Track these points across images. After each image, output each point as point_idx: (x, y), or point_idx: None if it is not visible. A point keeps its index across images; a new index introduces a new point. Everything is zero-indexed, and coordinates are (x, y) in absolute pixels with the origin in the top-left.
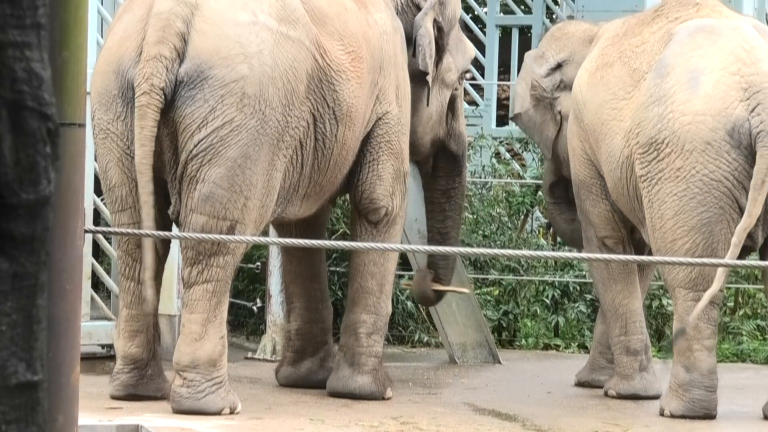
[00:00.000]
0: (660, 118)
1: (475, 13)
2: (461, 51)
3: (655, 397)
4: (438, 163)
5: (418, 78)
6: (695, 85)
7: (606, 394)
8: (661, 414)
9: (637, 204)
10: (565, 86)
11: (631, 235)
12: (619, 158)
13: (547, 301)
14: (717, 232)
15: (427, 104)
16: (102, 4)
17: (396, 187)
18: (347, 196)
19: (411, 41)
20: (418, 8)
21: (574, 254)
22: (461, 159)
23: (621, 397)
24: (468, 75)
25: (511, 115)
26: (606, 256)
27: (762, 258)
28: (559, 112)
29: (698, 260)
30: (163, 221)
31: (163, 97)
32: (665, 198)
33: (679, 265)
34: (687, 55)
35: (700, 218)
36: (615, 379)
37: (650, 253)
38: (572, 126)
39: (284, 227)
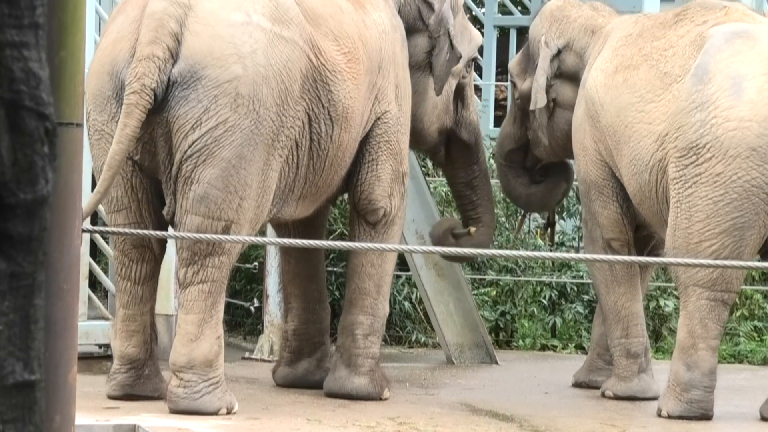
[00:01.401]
0: (702, 123)
1: (473, 13)
2: (467, 38)
3: (653, 399)
4: (453, 154)
5: (422, 68)
6: (738, 91)
7: (603, 395)
8: (659, 414)
9: (665, 207)
10: (561, 73)
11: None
12: (649, 161)
13: (545, 302)
14: (747, 236)
15: (438, 93)
16: (100, 3)
17: (395, 187)
18: (345, 195)
19: (412, 30)
20: (425, 2)
21: (572, 255)
22: (475, 147)
23: (618, 398)
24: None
25: (533, 107)
26: (605, 257)
27: None
28: (553, 99)
29: (697, 261)
30: (159, 221)
31: (152, 97)
32: (697, 201)
33: (687, 267)
34: (727, 60)
35: (734, 222)
36: (613, 380)
37: (651, 255)
38: (583, 126)
39: (283, 227)
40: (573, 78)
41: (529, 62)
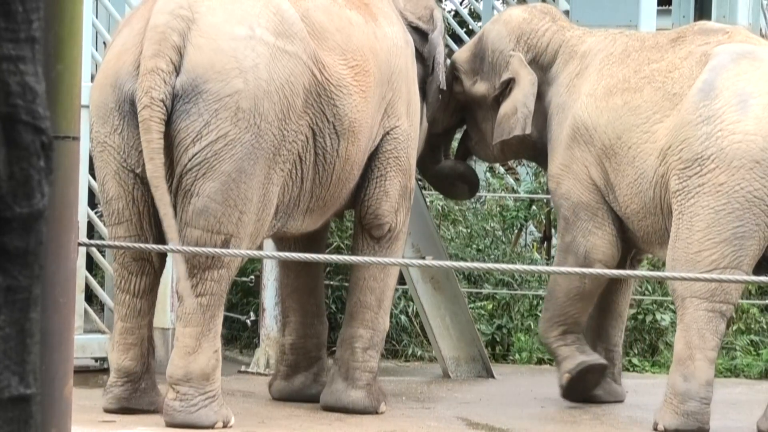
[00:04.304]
0: (708, 136)
1: (470, 27)
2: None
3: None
4: None
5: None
6: (745, 108)
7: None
8: (655, 429)
9: (668, 222)
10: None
11: None
12: (652, 178)
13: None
14: (747, 246)
15: (429, 120)
16: (97, 17)
17: (401, 203)
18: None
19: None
20: (416, 30)
21: (568, 269)
22: None
23: (570, 373)
24: None
25: (522, 132)
26: (601, 270)
27: None
28: None
29: (694, 275)
30: (160, 234)
31: (164, 109)
32: (699, 211)
33: (684, 280)
34: (733, 78)
35: (735, 232)
36: (564, 363)
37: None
38: (572, 152)
39: (284, 241)
40: None
41: (482, 65)
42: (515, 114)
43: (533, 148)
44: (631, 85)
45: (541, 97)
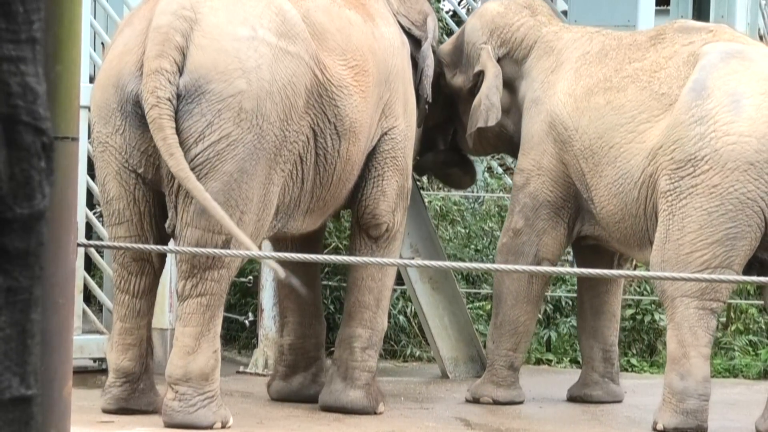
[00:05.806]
0: (701, 137)
1: None
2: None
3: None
4: None
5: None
6: (738, 108)
7: (478, 402)
8: (654, 428)
9: (652, 222)
10: None
11: None
12: (638, 178)
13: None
14: (739, 246)
15: (419, 126)
16: (95, 18)
17: (399, 203)
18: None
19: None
20: (408, 35)
21: (567, 269)
22: None
23: (497, 403)
24: None
25: (484, 125)
26: (601, 271)
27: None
28: None
29: (685, 275)
30: (160, 235)
31: (172, 107)
32: (691, 212)
33: (675, 280)
34: (724, 78)
35: (727, 233)
36: (490, 386)
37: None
38: (543, 146)
39: (281, 242)
40: (507, 84)
41: (461, 57)
42: (480, 106)
43: (510, 143)
44: (614, 84)
45: (515, 91)
